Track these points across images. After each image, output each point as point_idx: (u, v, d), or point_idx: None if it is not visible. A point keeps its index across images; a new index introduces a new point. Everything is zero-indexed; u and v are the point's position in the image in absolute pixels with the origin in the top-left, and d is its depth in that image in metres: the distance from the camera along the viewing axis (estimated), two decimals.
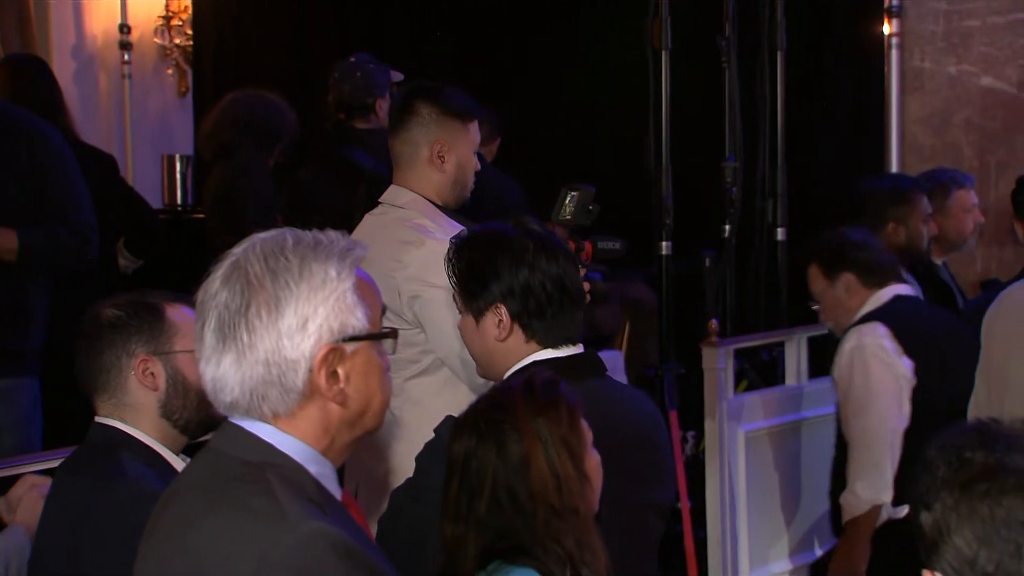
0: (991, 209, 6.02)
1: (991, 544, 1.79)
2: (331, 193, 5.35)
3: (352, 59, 5.73)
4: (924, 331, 4.42)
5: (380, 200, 3.71)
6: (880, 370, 4.26)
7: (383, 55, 6.11)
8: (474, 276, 2.80)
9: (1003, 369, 4.01)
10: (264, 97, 5.82)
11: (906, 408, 4.27)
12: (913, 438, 4.21)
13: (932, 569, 1.86)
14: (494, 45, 6.88)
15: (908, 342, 4.30)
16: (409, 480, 2.75)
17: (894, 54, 6.30)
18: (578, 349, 2.80)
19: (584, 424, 2.40)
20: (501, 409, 2.36)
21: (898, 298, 4.43)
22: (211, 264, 2.09)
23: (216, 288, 2.05)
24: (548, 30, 7.08)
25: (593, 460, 2.40)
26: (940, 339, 4.48)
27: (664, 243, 5.74)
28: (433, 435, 2.76)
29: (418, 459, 2.72)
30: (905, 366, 4.29)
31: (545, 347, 2.76)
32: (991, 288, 5.28)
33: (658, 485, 2.77)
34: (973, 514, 1.81)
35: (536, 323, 2.75)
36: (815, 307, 4.65)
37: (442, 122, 3.64)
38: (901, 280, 4.54)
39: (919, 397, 4.28)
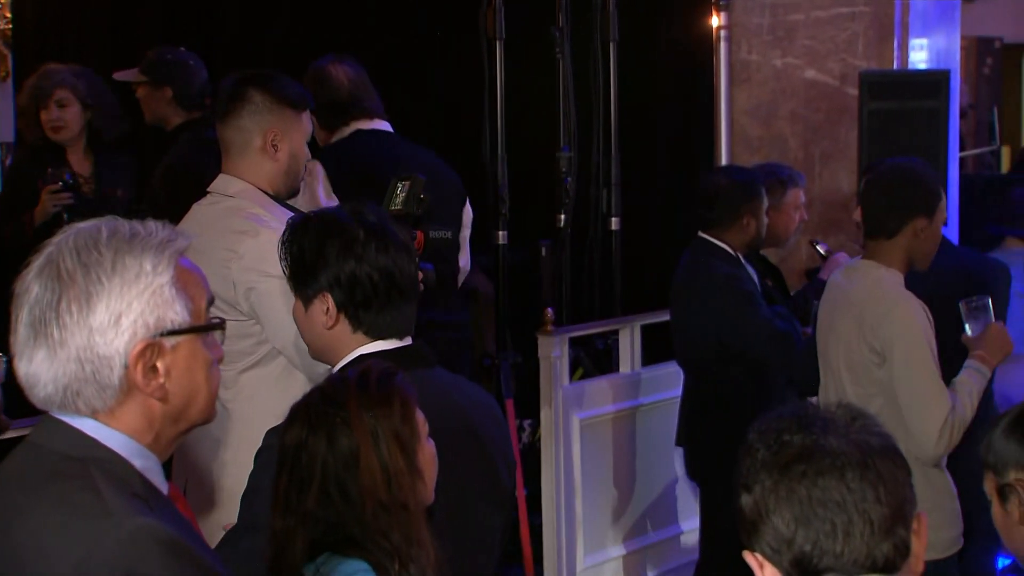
0: (816, 199, 6.18)
1: (808, 523, 1.83)
2: (199, 174, 5.25)
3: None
4: None
5: (209, 189, 3.65)
6: None
7: (207, 36, 6.01)
8: (303, 262, 2.75)
9: (824, 354, 4.11)
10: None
11: None
12: None
13: (752, 550, 1.89)
14: (327, 34, 6.81)
15: None
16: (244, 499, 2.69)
17: (722, 46, 6.40)
18: (407, 342, 2.78)
19: (419, 416, 2.39)
20: (333, 402, 2.34)
21: None
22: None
23: (29, 281, 2.00)
24: (382, 18, 7.04)
25: (427, 452, 2.40)
26: None
27: (500, 232, 5.78)
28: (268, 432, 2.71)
29: (251, 476, 2.67)
30: None
31: (374, 339, 2.74)
32: (816, 277, 5.41)
33: (491, 476, 2.77)
34: (791, 495, 1.84)
35: (363, 314, 2.72)
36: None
37: (275, 110, 3.58)
38: None
39: None
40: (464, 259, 4.89)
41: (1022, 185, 6.76)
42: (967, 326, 4.00)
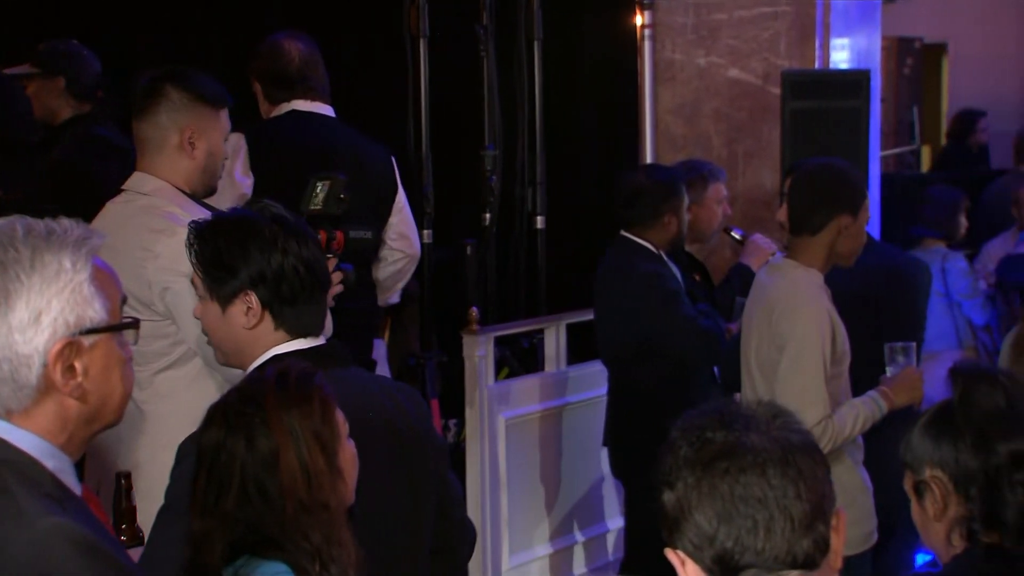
0: (739, 198, 6.22)
1: (730, 520, 1.83)
2: (86, 172, 5.17)
3: None
4: None
5: (123, 187, 3.59)
6: None
7: (92, 29, 5.91)
8: (221, 262, 2.72)
9: (745, 351, 4.14)
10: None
11: None
12: None
13: (674, 547, 1.88)
14: (246, 33, 6.74)
15: None
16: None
17: (647, 45, 6.42)
18: (320, 340, 2.75)
19: (339, 416, 2.37)
20: (251, 402, 2.32)
21: None
22: None
23: None
24: (304, 16, 6.99)
25: (348, 453, 2.38)
26: None
27: (425, 231, 5.75)
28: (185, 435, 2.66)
29: (167, 491, 2.63)
30: None
31: (293, 336, 2.71)
32: (736, 273, 5.43)
33: (413, 472, 2.75)
34: (714, 491, 1.84)
35: (287, 310, 2.70)
36: None
37: (193, 108, 3.54)
38: None
39: None
40: (412, 237, 4.80)
41: (941, 184, 6.87)
42: (888, 368, 4.06)
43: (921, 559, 5.19)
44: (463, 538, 2.95)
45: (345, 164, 4.31)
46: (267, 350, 2.70)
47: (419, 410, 2.83)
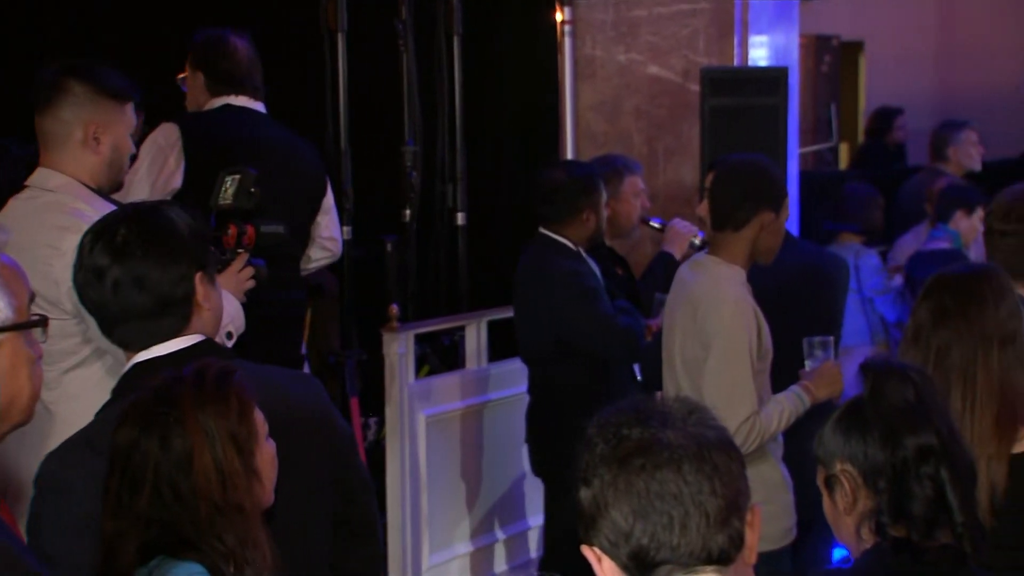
0: (660, 194, 6.23)
1: (646, 516, 1.83)
2: None
3: None
4: None
5: (27, 183, 3.52)
6: None
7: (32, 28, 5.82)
8: None
9: (667, 348, 4.14)
10: None
11: None
12: None
13: (591, 544, 1.88)
14: (162, 27, 6.66)
15: None
16: None
17: (567, 41, 6.42)
18: (190, 341, 2.67)
19: (258, 416, 2.35)
20: (166, 401, 2.29)
21: None
22: None
23: None
24: (220, 8, 6.90)
25: (266, 453, 2.37)
26: None
27: (344, 228, 5.70)
28: None
29: (31, 502, 2.59)
30: None
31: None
32: (659, 262, 5.43)
33: (313, 468, 2.71)
34: (630, 488, 1.84)
35: (117, 330, 2.65)
36: None
37: (97, 102, 3.49)
38: None
39: None
40: (338, 237, 4.81)
41: (857, 182, 6.94)
42: (807, 362, 4.08)
43: (839, 554, 5.24)
44: (374, 523, 2.93)
45: (275, 160, 4.31)
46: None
47: (317, 398, 2.78)
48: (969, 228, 6.44)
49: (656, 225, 5.55)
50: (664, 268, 5.27)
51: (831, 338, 4.14)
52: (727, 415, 3.71)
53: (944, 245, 6.36)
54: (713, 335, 3.88)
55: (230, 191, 3.30)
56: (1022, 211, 3.67)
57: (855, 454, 2.45)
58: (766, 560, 3.86)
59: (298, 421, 2.68)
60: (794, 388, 3.97)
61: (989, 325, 3.04)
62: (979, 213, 6.39)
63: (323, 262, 4.85)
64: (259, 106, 4.69)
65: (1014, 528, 2.92)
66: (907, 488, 2.41)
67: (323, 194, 4.73)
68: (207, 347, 2.66)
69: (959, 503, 2.42)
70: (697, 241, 5.27)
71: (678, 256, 5.32)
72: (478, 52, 6.42)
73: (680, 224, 5.46)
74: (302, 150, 4.70)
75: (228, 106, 4.61)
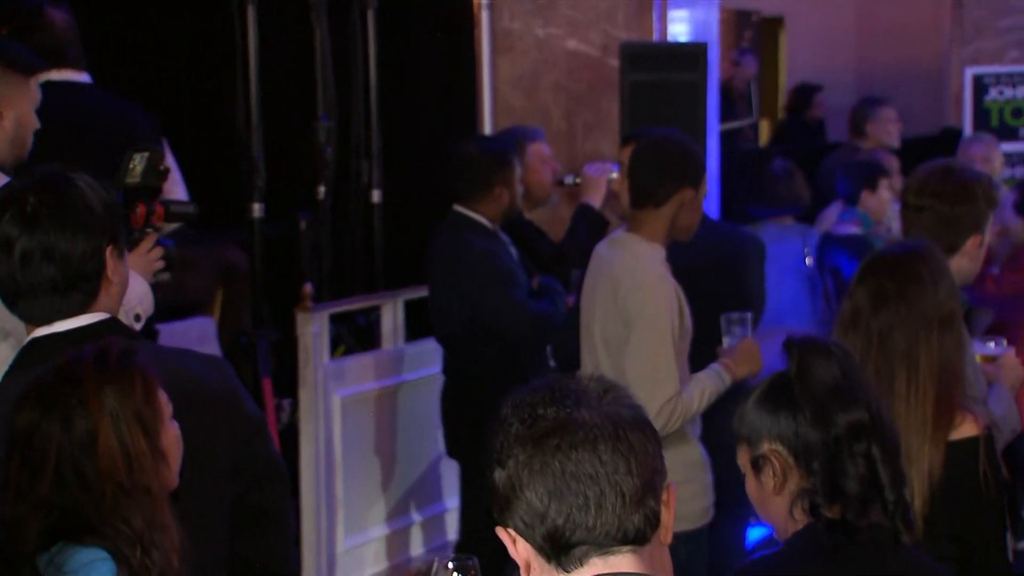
0: (579, 169, 6.15)
1: (561, 497, 1.80)
2: None
3: None
4: None
5: None
6: None
7: None
8: None
9: (586, 326, 4.09)
10: None
11: None
12: None
13: (505, 526, 1.85)
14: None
15: None
16: None
17: (484, 15, 6.34)
18: (89, 320, 2.60)
19: (162, 397, 2.29)
20: (68, 381, 2.24)
21: None
22: None
23: None
24: None
25: (171, 435, 2.32)
26: None
27: (256, 205, 5.61)
28: None
29: None
30: None
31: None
32: (581, 216, 5.34)
33: (215, 452, 2.63)
34: (545, 468, 1.81)
35: (20, 303, 2.60)
36: None
37: (1, 76, 3.37)
38: None
39: None
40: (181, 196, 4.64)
41: (780, 158, 6.89)
42: (725, 339, 4.06)
43: (755, 534, 5.22)
44: (283, 511, 2.86)
45: (106, 131, 4.16)
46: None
47: (223, 380, 2.72)
48: (877, 204, 6.40)
49: (569, 181, 5.47)
50: (586, 221, 5.21)
51: (749, 314, 4.12)
52: (650, 396, 3.69)
53: (853, 229, 6.32)
54: (635, 315, 3.84)
55: (138, 169, 3.20)
56: (936, 186, 3.65)
57: (785, 433, 2.43)
58: (685, 540, 3.84)
59: (202, 403, 2.61)
60: (714, 366, 3.94)
61: (929, 306, 3.01)
62: (884, 183, 6.37)
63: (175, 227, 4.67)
64: (84, 76, 4.47)
65: (949, 517, 2.90)
66: (841, 466, 2.41)
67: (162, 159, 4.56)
68: (110, 325, 2.60)
69: (889, 480, 2.42)
70: (615, 175, 5.17)
71: (599, 203, 5.25)
72: (393, 25, 6.32)
73: (592, 168, 5.37)
74: (133, 116, 4.47)
75: (50, 82, 4.37)
